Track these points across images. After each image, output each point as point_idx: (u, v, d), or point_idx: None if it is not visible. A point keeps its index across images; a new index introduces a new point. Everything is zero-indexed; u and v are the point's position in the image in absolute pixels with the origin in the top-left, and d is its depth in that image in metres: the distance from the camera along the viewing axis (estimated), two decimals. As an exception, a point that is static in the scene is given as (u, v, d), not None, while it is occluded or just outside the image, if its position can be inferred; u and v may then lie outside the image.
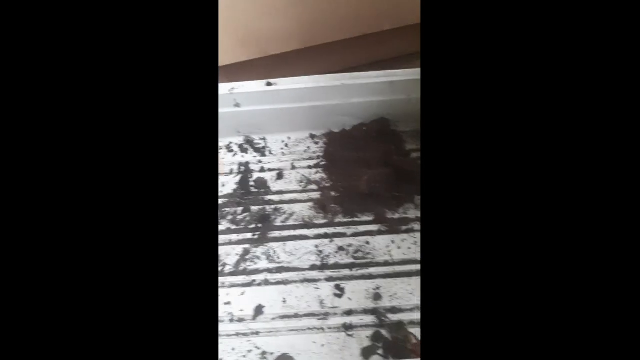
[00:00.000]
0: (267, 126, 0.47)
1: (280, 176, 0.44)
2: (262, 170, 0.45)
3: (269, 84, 0.44)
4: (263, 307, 0.36)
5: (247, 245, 0.39)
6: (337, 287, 0.36)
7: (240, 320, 0.35)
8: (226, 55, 0.46)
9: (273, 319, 0.35)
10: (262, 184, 0.44)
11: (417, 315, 0.34)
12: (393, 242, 0.39)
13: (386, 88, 0.43)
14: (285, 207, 0.42)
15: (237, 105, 0.45)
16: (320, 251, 0.39)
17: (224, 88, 0.44)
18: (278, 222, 0.41)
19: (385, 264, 0.37)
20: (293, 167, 0.45)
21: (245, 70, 0.49)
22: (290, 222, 0.41)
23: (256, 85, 0.44)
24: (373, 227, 0.40)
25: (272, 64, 0.50)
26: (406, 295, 0.36)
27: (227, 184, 0.44)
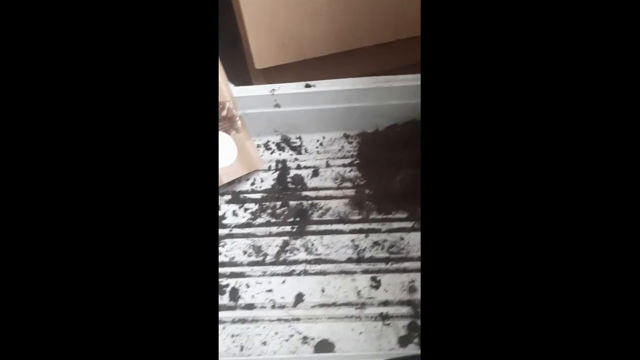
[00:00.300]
0: (303, 126, 0.50)
1: (315, 173, 0.46)
2: (299, 167, 0.47)
3: (307, 86, 0.46)
4: (303, 295, 0.38)
5: (286, 238, 0.42)
6: (373, 279, 0.38)
7: (282, 307, 0.37)
8: (266, 59, 0.48)
9: (312, 306, 0.37)
10: (298, 180, 0.46)
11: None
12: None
13: (420, 91, 0.44)
14: (322, 202, 0.44)
15: (277, 105, 0.47)
16: (356, 245, 0.41)
17: (264, 89, 0.46)
18: (315, 217, 0.43)
19: (420, 259, 0.39)
20: (328, 165, 0.47)
21: (283, 72, 0.52)
22: (327, 217, 0.43)
23: (295, 87, 0.46)
24: (407, 224, 0.41)
25: (307, 67, 0.52)
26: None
27: (265, 180, 0.47)
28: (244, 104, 0.46)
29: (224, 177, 0.43)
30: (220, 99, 0.44)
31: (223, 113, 0.44)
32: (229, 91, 0.45)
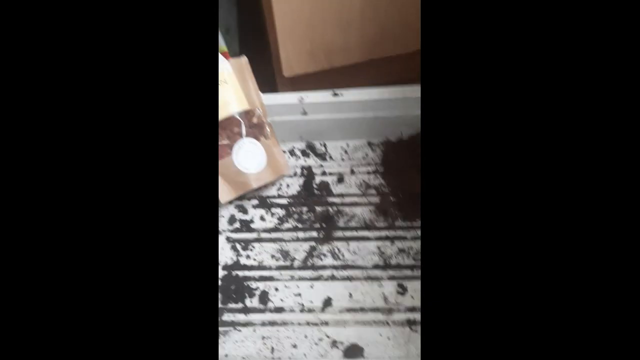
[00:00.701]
0: (328, 133, 0.51)
1: (340, 180, 0.47)
2: (324, 174, 0.48)
3: (335, 95, 0.47)
4: (331, 299, 0.39)
5: (313, 243, 0.43)
6: (400, 285, 0.39)
7: (310, 310, 0.38)
8: (295, 67, 0.49)
9: (340, 311, 0.38)
10: (324, 186, 0.47)
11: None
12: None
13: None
14: (347, 209, 0.45)
15: (304, 113, 0.48)
16: (382, 252, 0.41)
17: (293, 97, 0.47)
18: (341, 223, 0.44)
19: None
20: (352, 172, 0.48)
21: (308, 79, 0.53)
22: (352, 224, 0.44)
23: (323, 96, 0.47)
24: (431, 232, 0.42)
25: (332, 74, 0.53)
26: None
27: (291, 185, 0.48)
28: (272, 111, 0.48)
29: (253, 183, 0.44)
30: (250, 107, 0.45)
31: (253, 120, 0.45)
32: (259, 99, 0.46)
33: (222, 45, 0.51)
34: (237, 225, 0.45)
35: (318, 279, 0.40)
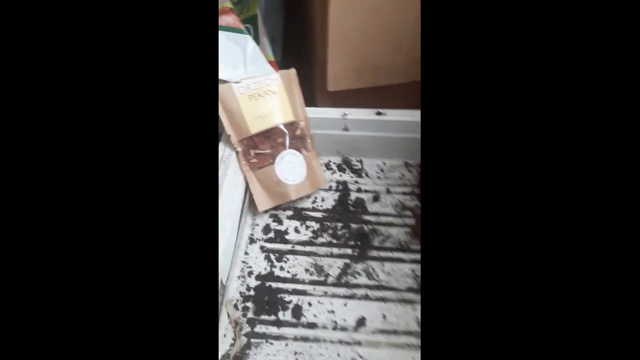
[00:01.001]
0: (366, 150, 0.51)
1: (376, 199, 0.48)
2: (359, 190, 0.49)
3: (378, 113, 0.47)
4: (365, 319, 0.38)
5: (347, 260, 0.43)
6: (434, 311, 0.39)
7: (343, 329, 0.38)
8: (340, 82, 0.50)
9: (373, 332, 0.38)
10: (359, 203, 0.47)
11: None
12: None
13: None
14: (382, 229, 0.45)
15: (345, 129, 0.48)
16: (417, 275, 0.41)
17: (336, 113, 0.48)
18: (376, 243, 0.44)
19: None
20: (388, 192, 0.48)
21: (348, 95, 0.53)
22: (388, 244, 0.44)
23: (367, 113, 0.48)
24: (467, 259, 0.42)
25: (373, 92, 0.54)
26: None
27: (326, 199, 0.48)
28: (313, 124, 0.48)
29: (292, 194, 0.44)
30: (295, 119, 0.45)
31: (297, 132, 0.45)
32: (303, 111, 0.46)
33: (269, 54, 0.52)
34: (271, 235, 0.44)
35: (352, 297, 0.40)
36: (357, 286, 0.41)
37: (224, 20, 0.44)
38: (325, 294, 0.40)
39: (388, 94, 0.54)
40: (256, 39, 0.46)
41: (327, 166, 0.51)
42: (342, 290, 0.41)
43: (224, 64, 0.42)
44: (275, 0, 0.56)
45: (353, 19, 0.43)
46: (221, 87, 0.42)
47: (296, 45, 0.61)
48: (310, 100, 0.57)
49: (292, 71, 0.46)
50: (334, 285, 0.41)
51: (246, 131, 0.43)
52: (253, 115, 0.43)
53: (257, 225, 0.45)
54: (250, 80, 0.43)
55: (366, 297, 0.40)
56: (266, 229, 0.45)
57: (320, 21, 0.45)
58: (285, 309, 0.39)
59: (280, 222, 0.46)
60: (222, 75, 0.42)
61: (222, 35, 0.44)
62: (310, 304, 0.40)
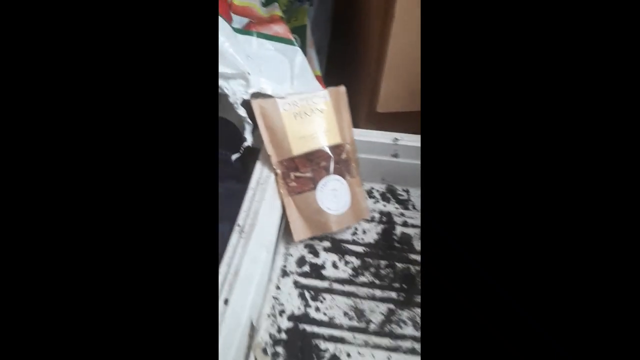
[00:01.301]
0: (413, 179, 0.46)
1: (424, 235, 0.43)
2: (405, 224, 0.44)
3: (433, 141, 0.43)
4: (412, 380, 0.33)
5: (391, 305, 0.38)
6: (493, 376, 0.34)
7: (386, 389, 0.33)
8: (389, 104, 0.46)
9: (421, 396, 0.33)
10: (406, 240, 0.42)
11: None
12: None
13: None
14: (431, 270, 0.40)
15: (395, 155, 0.44)
16: (472, 330, 0.36)
17: (387, 137, 0.43)
18: (424, 286, 0.39)
19: None
20: (437, 228, 0.43)
21: (390, 119, 0.49)
22: (437, 289, 0.39)
23: (419, 140, 0.43)
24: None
25: (417, 117, 0.49)
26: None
27: (368, 232, 0.43)
28: (359, 147, 0.44)
29: (333, 226, 0.40)
30: (341, 141, 0.41)
31: (342, 155, 0.41)
32: (350, 134, 0.42)
33: (316, 68, 0.48)
34: (306, 268, 0.40)
35: (396, 350, 0.35)
36: (403, 337, 0.36)
37: (273, 29, 0.40)
38: (367, 344, 0.35)
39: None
40: (303, 51, 0.43)
41: (369, 193, 0.46)
42: (385, 341, 0.35)
43: (269, 76, 0.39)
44: (325, 12, 0.52)
45: (411, 45, 0.40)
46: (265, 102, 0.38)
47: (340, 60, 0.57)
48: (353, 120, 0.54)
49: (342, 89, 0.42)
50: (376, 334, 0.36)
51: (288, 152, 0.39)
52: (297, 135, 0.39)
53: (291, 255, 0.41)
54: (296, 96, 0.39)
55: (412, 351, 0.35)
56: (301, 261, 0.40)
57: (378, 43, 0.42)
58: (320, 357, 0.34)
59: (316, 255, 0.41)
60: (267, 89, 0.38)
61: (269, 45, 0.40)
62: (349, 355, 0.35)
